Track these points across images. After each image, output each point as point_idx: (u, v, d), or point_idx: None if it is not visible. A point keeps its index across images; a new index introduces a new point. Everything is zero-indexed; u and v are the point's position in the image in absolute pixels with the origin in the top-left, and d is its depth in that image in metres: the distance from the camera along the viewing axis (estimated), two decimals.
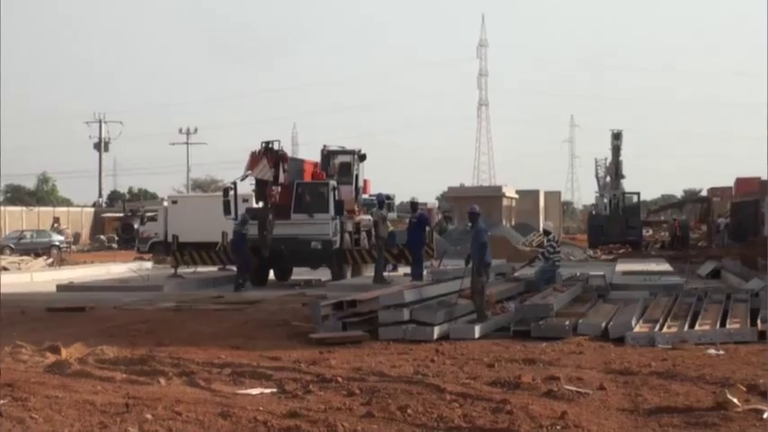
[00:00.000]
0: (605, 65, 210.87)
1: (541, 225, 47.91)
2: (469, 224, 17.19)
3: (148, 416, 9.09)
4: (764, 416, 8.85)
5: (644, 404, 9.60)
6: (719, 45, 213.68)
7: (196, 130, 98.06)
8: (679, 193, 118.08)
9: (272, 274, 30.09)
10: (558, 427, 8.51)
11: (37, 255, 44.75)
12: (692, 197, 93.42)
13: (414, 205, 27.86)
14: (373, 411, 9.27)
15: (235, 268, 28.85)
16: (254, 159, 26.69)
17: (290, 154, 29.42)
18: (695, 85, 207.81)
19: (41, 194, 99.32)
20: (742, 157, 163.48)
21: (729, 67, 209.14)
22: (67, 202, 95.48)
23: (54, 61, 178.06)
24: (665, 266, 31.17)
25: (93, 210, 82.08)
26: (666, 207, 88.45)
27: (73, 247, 60.63)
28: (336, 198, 28.28)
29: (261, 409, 9.45)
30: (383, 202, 29.33)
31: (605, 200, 52.51)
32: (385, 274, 26.90)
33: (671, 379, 11.00)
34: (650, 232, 63.16)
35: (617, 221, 50.69)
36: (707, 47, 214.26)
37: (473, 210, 16.70)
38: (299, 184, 28.53)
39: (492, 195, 69.96)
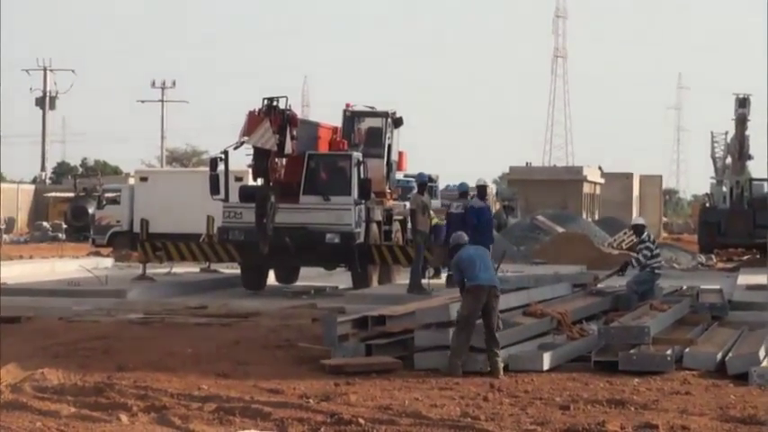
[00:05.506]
0: (727, 7, 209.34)
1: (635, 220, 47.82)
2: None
3: None
4: None
5: None
6: None
7: (174, 84, 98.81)
8: None
9: (272, 277, 30.18)
10: None
11: None
12: None
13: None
14: None
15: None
16: (253, 121, 26.67)
17: (300, 115, 29.45)
18: None
19: None
20: None
21: None
22: None
23: None
24: None
25: (33, 187, 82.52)
26: None
27: (5, 236, 61.06)
28: (362, 176, 28.27)
29: None
30: (425, 184, 29.19)
31: (725, 188, 52.25)
32: (424, 281, 26.88)
33: None
34: None
35: (741, 218, 50.38)
36: None
37: (461, 240, 16.66)
38: (311, 155, 28.55)
39: (569, 179, 69.96)
